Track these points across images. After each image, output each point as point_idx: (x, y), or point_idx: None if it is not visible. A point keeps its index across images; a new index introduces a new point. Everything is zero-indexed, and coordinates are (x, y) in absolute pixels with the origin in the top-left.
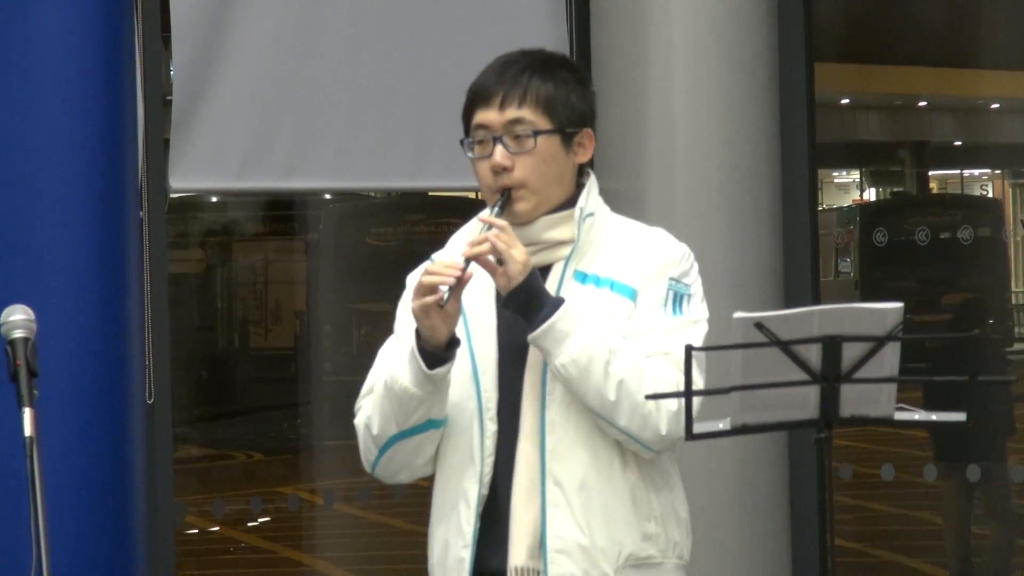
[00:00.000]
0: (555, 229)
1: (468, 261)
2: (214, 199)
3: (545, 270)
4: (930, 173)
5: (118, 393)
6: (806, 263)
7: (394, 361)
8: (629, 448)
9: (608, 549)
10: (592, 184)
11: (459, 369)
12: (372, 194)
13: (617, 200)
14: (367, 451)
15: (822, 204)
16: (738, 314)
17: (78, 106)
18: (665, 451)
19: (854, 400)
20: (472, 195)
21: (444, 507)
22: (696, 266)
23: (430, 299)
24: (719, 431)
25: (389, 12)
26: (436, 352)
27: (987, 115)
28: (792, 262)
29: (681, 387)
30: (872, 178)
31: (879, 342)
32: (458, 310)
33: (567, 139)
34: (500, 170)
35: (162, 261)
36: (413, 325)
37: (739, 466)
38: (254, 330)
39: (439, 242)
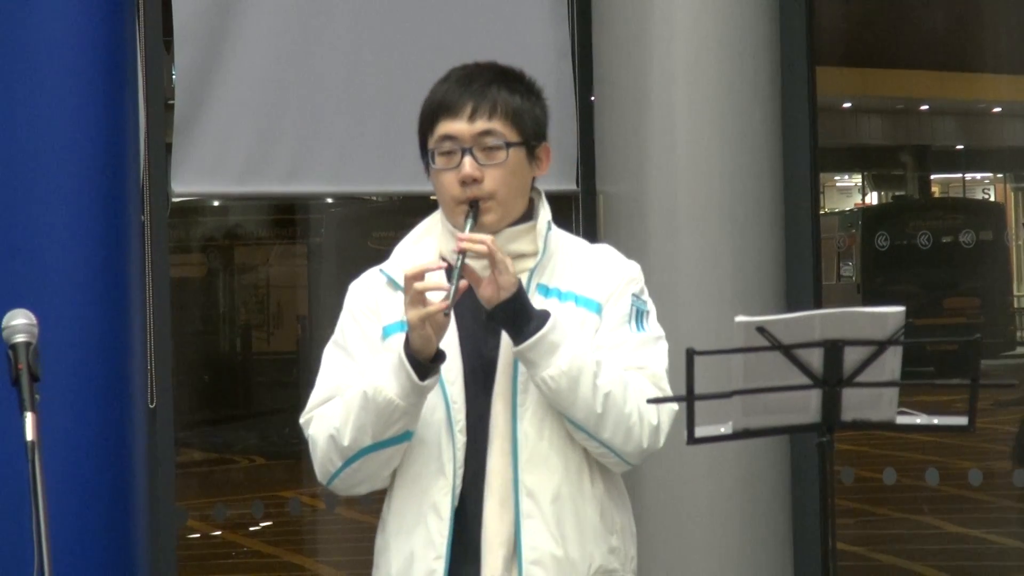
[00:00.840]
0: (517, 241)
1: (461, 258)
2: (216, 203)
3: None
4: (932, 177)
5: (120, 397)
6: (808, 267)
7: (372, 372)
8: (605, 461)
9: (580, 561)
10: (544, 198)
11: None
12: (374, 198)
13: (619, 204)
14: (327, 463)
15: (824, 208)
16: (740, 318)
17: (80, 110)
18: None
19: (856, 404)
20: None
21: (406, 519)
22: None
23: (433, 308)
24: (721, 435)
25: (391, 16)
26: (423, 363)
27: (989, 119)
28: (794, 266)
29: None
30: (874, 182)
31: (881, 346)
32: (448, 320)
33: (531, 151)
34: (470, 181)
35: (164, 265)
36: (372, 337)
37: (741, 470)
38: (256, 334)
39: None
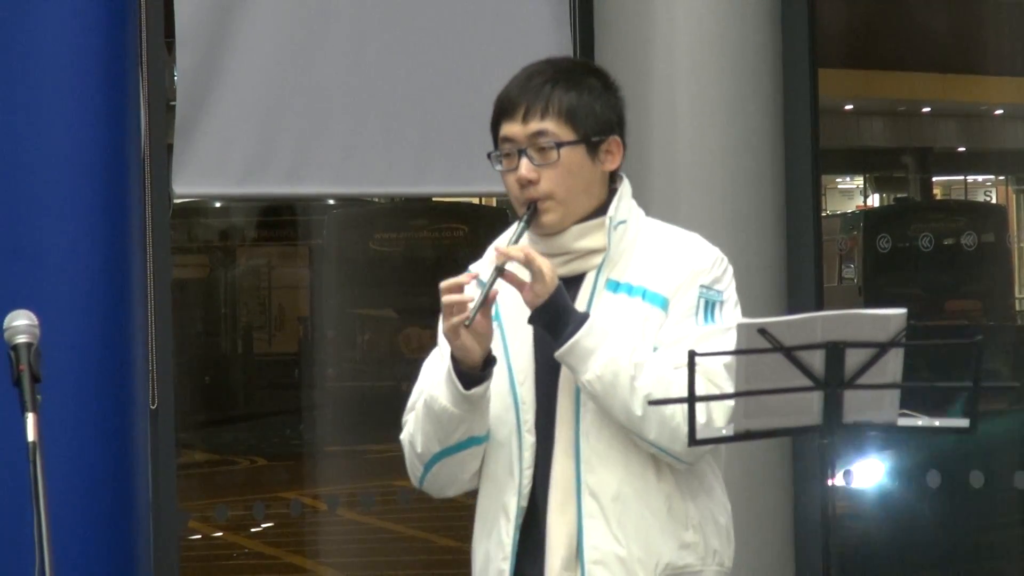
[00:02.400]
0: (586, 238)
1: (499, 270)
2: (217, 204)
3: (578, 279)
4: (934, 179)
5: (121, 398)
6: (809, 269)
7: (433, 379)
8: (663, 459)
9: (645, 559)
10: (625, 190)
11: (497, 382)
12: (376, 199)
13: None
14: (413, 467)
15: (825, 210)
16: (741, 320)
17: (81, 111)
18: (702, 459)
19: (857, 406)
20: (476, 200)
21: (486, 520)
22: (730, 270)
23: (456, 319)
24: (722, 437)
25: (393, 18)
26: (472, 372)
27: (991, 121)
28: (795, 268)
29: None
30: (876, 184)
31: (882, 348)
32: (489, 328)
33: (592, 148)
34: (526, 183)
35: (165, 266)
36: None
37: (742, 471)
38: (257, 335)
39: (443, 247)
